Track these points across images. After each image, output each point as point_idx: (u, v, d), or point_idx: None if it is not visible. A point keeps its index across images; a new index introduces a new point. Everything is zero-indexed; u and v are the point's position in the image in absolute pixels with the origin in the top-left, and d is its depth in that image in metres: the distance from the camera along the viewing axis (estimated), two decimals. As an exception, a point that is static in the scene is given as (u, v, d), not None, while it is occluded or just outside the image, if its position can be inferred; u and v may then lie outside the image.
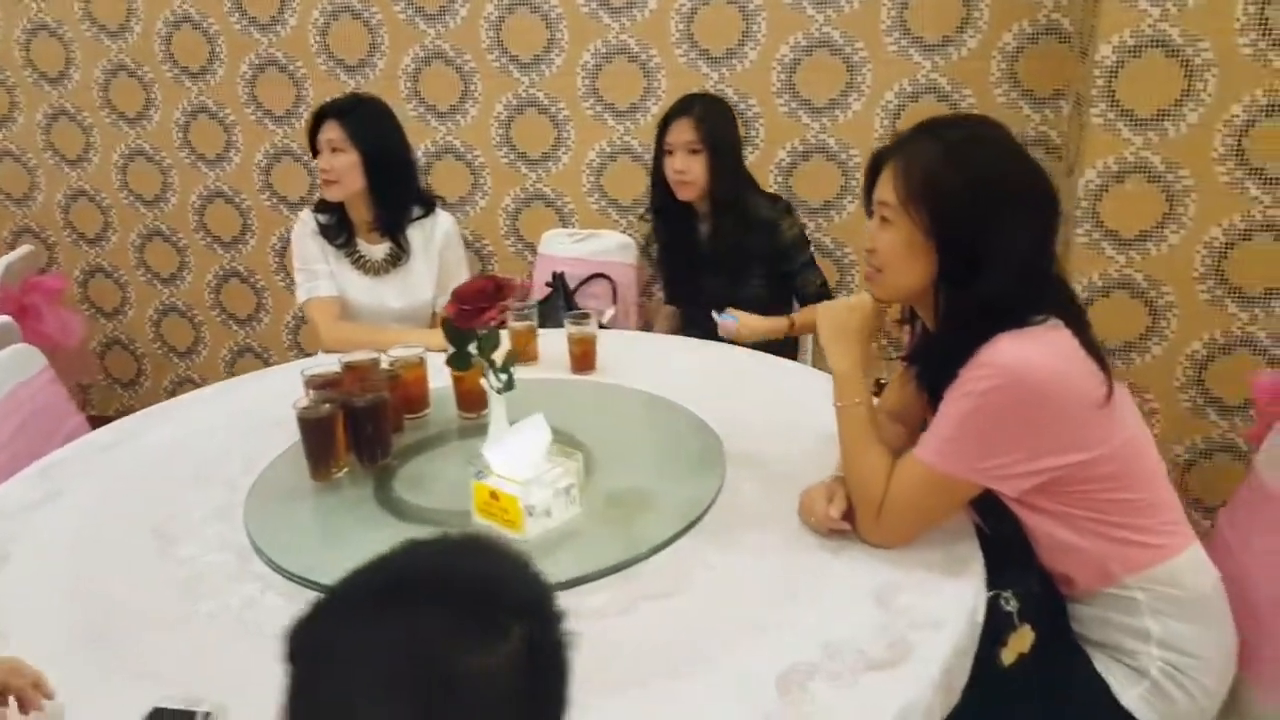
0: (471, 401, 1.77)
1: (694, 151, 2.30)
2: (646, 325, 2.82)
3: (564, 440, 1.65)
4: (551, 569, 1.29)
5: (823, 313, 1.44)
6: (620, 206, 2.95)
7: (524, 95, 2.92)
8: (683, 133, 2.30)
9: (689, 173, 2.30)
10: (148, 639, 1.23)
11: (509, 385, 1.51)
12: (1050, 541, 1.30)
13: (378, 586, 0.60)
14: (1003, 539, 1.34)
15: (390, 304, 2.35)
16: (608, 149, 2.91)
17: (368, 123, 2.24)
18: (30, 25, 3.24)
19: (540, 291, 2.80)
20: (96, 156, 3.37)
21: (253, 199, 3.29)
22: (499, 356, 1.51)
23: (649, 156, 2.50)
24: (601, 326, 2.62)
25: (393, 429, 1.67)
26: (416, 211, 2.35)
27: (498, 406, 1.52)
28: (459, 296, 1.43)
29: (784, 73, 2.71)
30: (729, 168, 2.33)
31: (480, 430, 1.62)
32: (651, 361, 2.09)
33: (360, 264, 2.35)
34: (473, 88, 2.95)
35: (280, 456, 1.65)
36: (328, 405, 1.56)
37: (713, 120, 2.32)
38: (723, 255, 2.36)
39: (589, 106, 2.88)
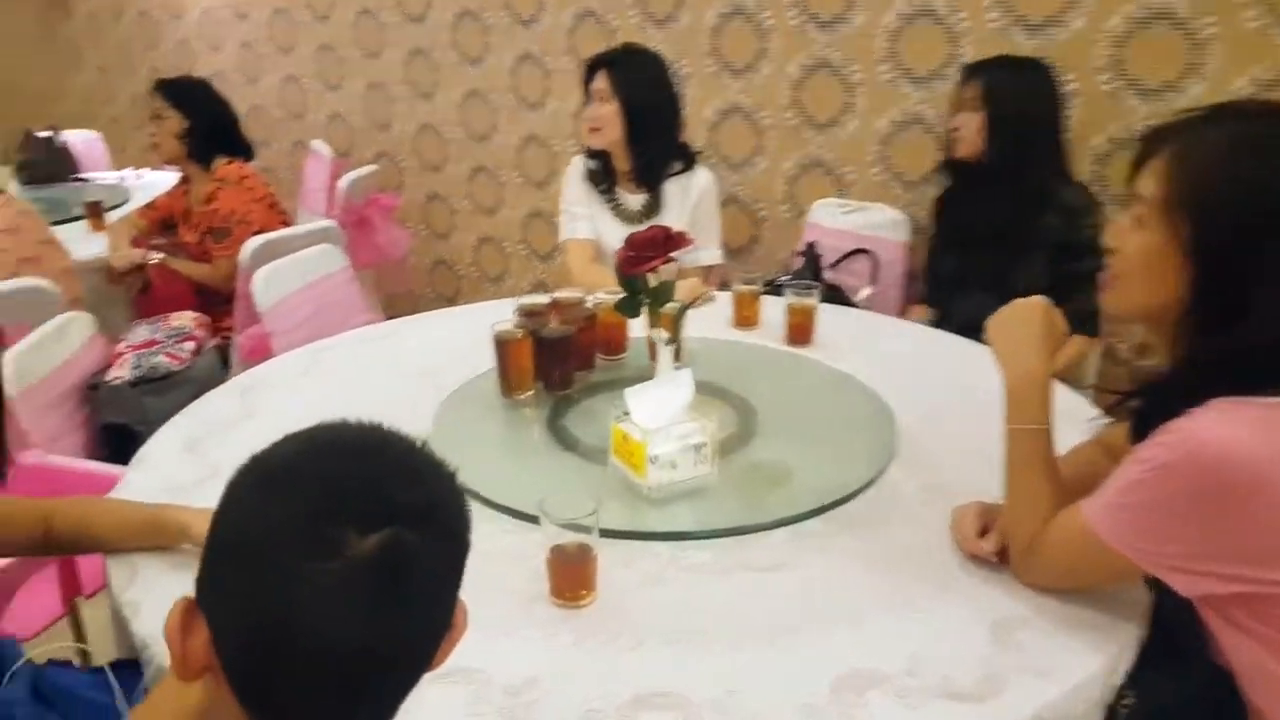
0: (611, 345, 1.86)
1: (971, 111, 2.26)
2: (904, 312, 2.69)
3: (736, 404, 1.67)
4: (661, 519, 1.35)
5: (998, 315, 1.27)
6: (905, 181, 2.82)
7: (819, 56, 2.87)
8: (968, 91, 2.28)
9: (964, 129, 2.28)
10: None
11: (673, 338, 1.54)
12: (1254, 670, 1.06)
13: (269, 464, 0.68)
14: (1179, 624, 1.14)
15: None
16: (900, 118, 2.79)
17: (633, 74, 2.34)
18: (404, -27, 3.73)
19: (796, 262, 2.77)
20: (440, 94, 3.82)
21: (561, 144, 3.55)
22: (671, 309, 1.55)
23: (941, 130, 2.40)
24: (854, 305, 2.56)
25: (582, 365, 1.78)
26: (676, 166, 2.43)
27: (665, 357, 1.56)
28: (630, 243, 1.48)
29: (1112, 47, 2.42)
30: (1023, 137, 2.23)
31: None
32: (872, 343, 2.01)
33: (618, 211, 2.47)
34: (768, 46, 2.95)
35: (491, 371, 1.82)
36: (520, 331, 1.69)
37: (1001, 87, 2.24)
38: (1007, 230, 2.22)
39: (885, 71, 2.77)
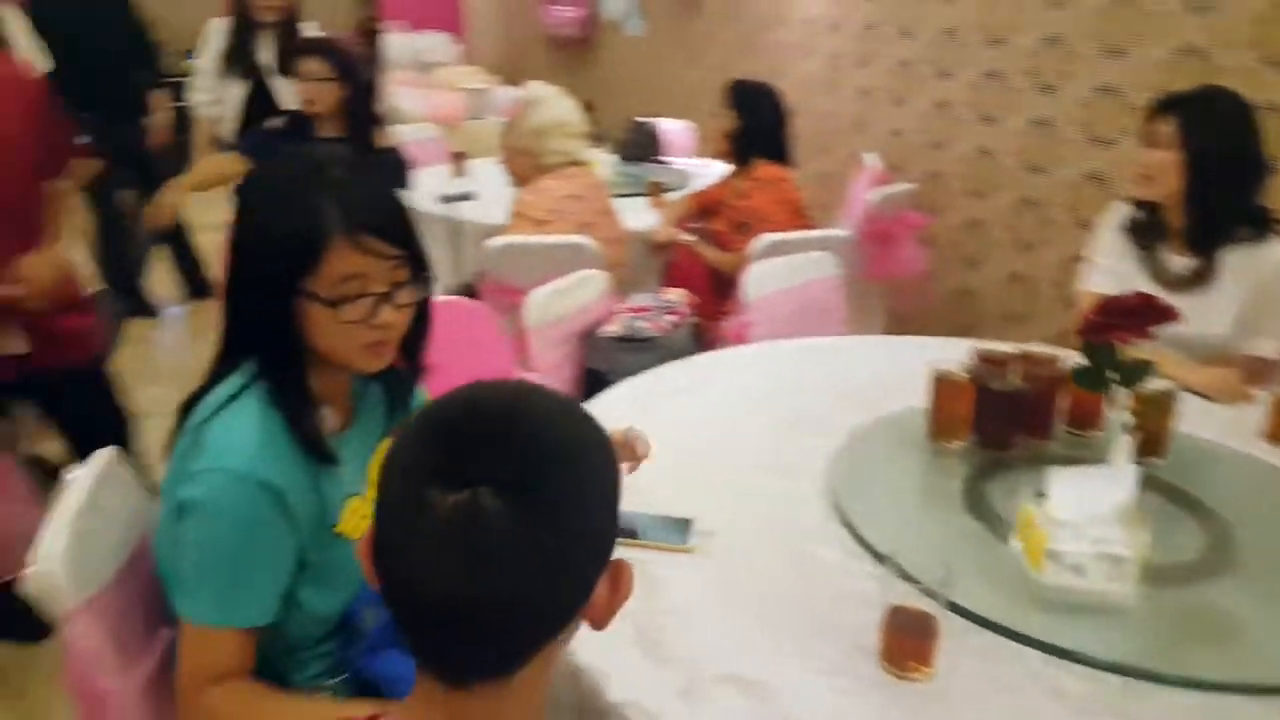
0: (1081, 418, 1.62)
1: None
2: None
3: (1211, 528, 1.38)
4: (1042, 624, 1.17)
5: None
6: None
7: None
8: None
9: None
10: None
11: (1139, 426, 1.31)
12: None
13: (414, 419, 0.74)
14: None
15: (1176, 326, 2.12)
16: None
17: (1207, 122, 2.00)
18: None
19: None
20: (1005, 119, 3.64)
21: (1124, 188, 3.17)
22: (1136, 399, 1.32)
23: None
24: None
25: (1034, 429, 1.60)
26: (1243, 233, 2.04)
27: (1119, 445, 1.33)
28: (1105, 307, 1.28)
29: None
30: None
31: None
32: None
33: (1158, 273, 2.15)
34: None
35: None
36: (964, 375, 1.57)
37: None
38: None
39: None
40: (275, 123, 3.11)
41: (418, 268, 1.16)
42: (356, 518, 1.20)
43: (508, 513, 0.67)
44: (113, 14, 4.04)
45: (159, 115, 4.19)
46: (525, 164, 2.65)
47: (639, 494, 1.46)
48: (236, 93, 3.52)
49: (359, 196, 1.10)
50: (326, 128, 3.01)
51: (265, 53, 3.49)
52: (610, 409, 1.77)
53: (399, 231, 1.12)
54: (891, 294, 3.68)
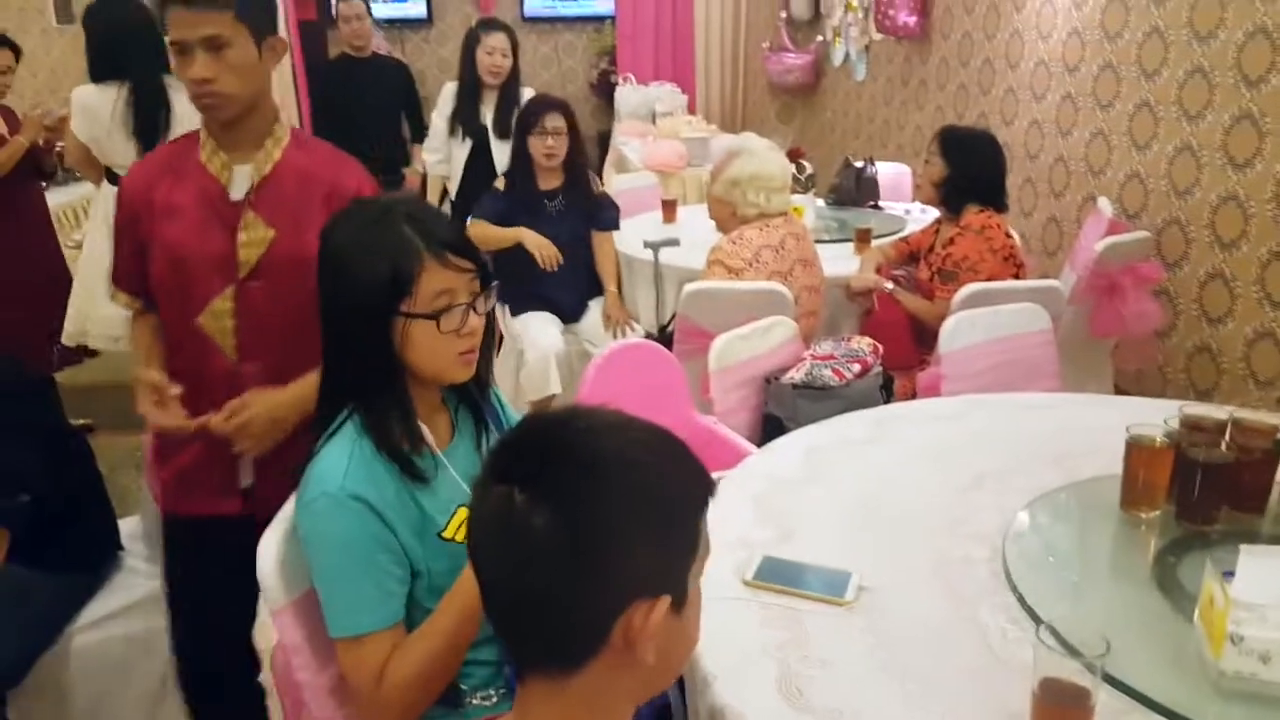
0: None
1: None
2: None
3: None
4: (1217, 713, 1.08)
5: None
6: None
7: None
8: None
9: None
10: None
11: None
12: None
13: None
14: None
15: None
16: None
17: None
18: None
19: None
20: (1257, 165, 3.34)
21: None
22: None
23: None
24: None
25: (1244, 503, 1.49)
26: None
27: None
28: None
29: None
30: None
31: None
32: None
33: None
34: None
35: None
36: (1161, 439, 1.48)
37: None
38: None
39: None
40: (498, 183, 3.40)
41: (487, 279, 1.33)
42: (458, 523, 1.33)
43: (533, 510, 0.76)
44: (391, 75, 4.54)
45: (415, 167, 4.66)
46: (725, 213, 2.73)
47: (799, 542, 1.49)
48: (460, 155, 3.86)
49: (432, 224, 1.28)
50: (548, 179, 3.25)
51: (489, 115, 3.80)
52: (783, 455, 1.80)
53: (469, 249, 1.30)
54: (1119, 351, 3.45)
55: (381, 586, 1.26)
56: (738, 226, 2.68)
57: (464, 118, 3.82)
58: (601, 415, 0.83)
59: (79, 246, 3.57)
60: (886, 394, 2.31)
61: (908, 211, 4.14)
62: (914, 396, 2.51)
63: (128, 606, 1.99)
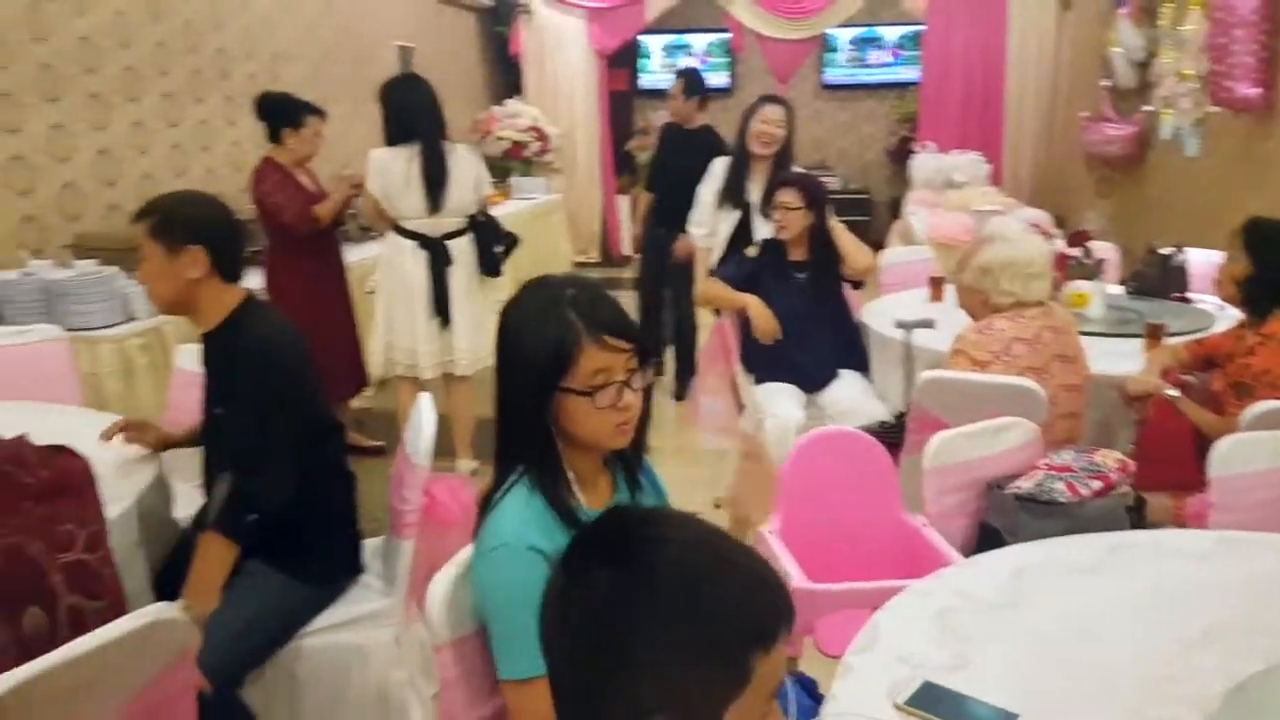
0: None
1: None
2: None
3: None
4: None
5: None
6: None
7: None
8: None
9: None
10: None
11: None
12: None
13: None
14: None
15: None
16: None
17: None
18: None
19: None
20: None
21: None
22: None
23: None
24: None
25: None
26: None
27: None
28: None
29: None
30: None
31: None
32: None
33: None
34: None
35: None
36: None
37: None
38: None
39: None
40: (751, 250, 3.47)
41: (645, 357, 1.41)
42: None
43: (572, 601, 0.83)
44: (707, 144, 4.73)
45: None
46: (974, 300, 2.59)
47: (972, 671, 1.38)
48: (725, 227, 3.94)
49: (596, 307, 1.38)
50: (795, 252, 3.26)
51: (755, 190, 3.86)
52: (985, 571, 1.67)
53: (629, 329, 1.40)
54: None
55: None
56: (987, 315, 2.54)
57: (731, 190, 3.92)
58: (685, 525, 0.84)
59: (372, 292, 4.10)
60: (1136, 517, 2.06)
61: (1222, 308, 3.68)
62: (1183, 524, 2.22)
63: (355, 619, 2.22)
